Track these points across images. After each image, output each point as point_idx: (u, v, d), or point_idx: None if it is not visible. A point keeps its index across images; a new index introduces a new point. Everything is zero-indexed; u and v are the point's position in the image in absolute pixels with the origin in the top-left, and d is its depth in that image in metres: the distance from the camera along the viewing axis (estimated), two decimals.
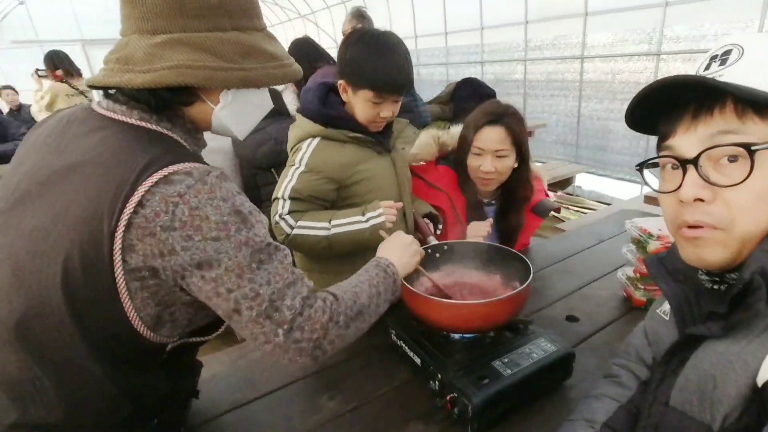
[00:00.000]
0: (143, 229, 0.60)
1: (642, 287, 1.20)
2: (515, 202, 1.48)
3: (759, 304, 0.49)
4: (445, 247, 1.17)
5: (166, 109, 0.70)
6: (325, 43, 9.48)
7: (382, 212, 1.16)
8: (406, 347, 1.03)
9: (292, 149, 1.23)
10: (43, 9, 10.26)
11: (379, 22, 3.30)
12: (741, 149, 0.50)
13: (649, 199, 2.38)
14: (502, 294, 1.05)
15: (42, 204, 0.63)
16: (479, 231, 1.35)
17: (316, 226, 1.17)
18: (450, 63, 6.26)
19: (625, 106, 0.60)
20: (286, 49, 2.96)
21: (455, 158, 1.49)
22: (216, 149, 2.04)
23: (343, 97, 1.21)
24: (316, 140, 1.19)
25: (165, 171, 0.61)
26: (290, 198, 1.17)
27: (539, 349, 0.94)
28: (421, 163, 1.54)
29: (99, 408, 0.66)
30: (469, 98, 2.87)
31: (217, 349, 1.20)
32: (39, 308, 0.61)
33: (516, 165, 1.43)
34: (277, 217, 1.18)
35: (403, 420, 0.89)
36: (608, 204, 4.14)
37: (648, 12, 3.65)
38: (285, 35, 11.44)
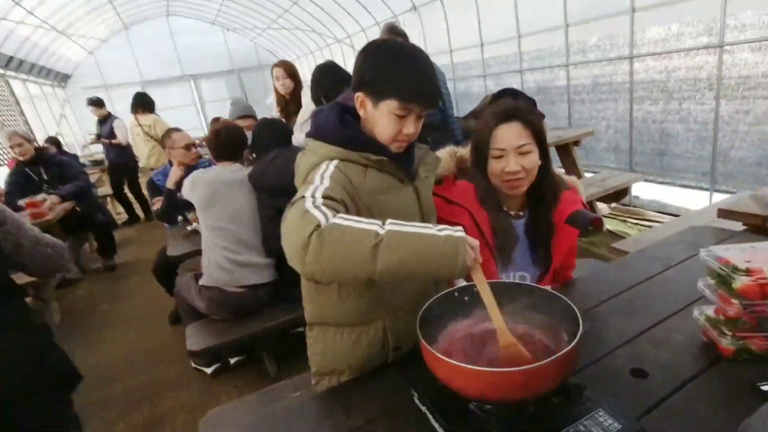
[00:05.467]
0: None
1: (730, 333, 0.95)
2: (543, 205, 1.32)
3: None
4: (476, 289, 0.99)
5: None
6: None
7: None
8: (429, 414, 0.86)
9: (304, 179, 1.05)
10: (109, 57, 11.63)
11: (413, 38, 3.20)
12: None
13: (725, 213, 1.98)
14: (544, 348, 0.87)
15: None
16: None
17: (362, 220, 0.87)
18: (488, 74, 6.06)
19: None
20: (310, 75, 2.88)
21: (472, 171, 1.35)
22: (237, 182, 1.97)
23: (361, 113, 1.08)
24: (334, 162, 1.02)
25: None
26: (323, 197, 0.93)
27: (597, 426, 0.74)
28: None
29: None
30: None
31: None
32: None
33: (540, 163, 1.28)
34: (308, 205, 0.90)
35: None
36: (674, 215, 3.71)
37: (706, 0, 3.29)
38: (324, 60, 11.70)
